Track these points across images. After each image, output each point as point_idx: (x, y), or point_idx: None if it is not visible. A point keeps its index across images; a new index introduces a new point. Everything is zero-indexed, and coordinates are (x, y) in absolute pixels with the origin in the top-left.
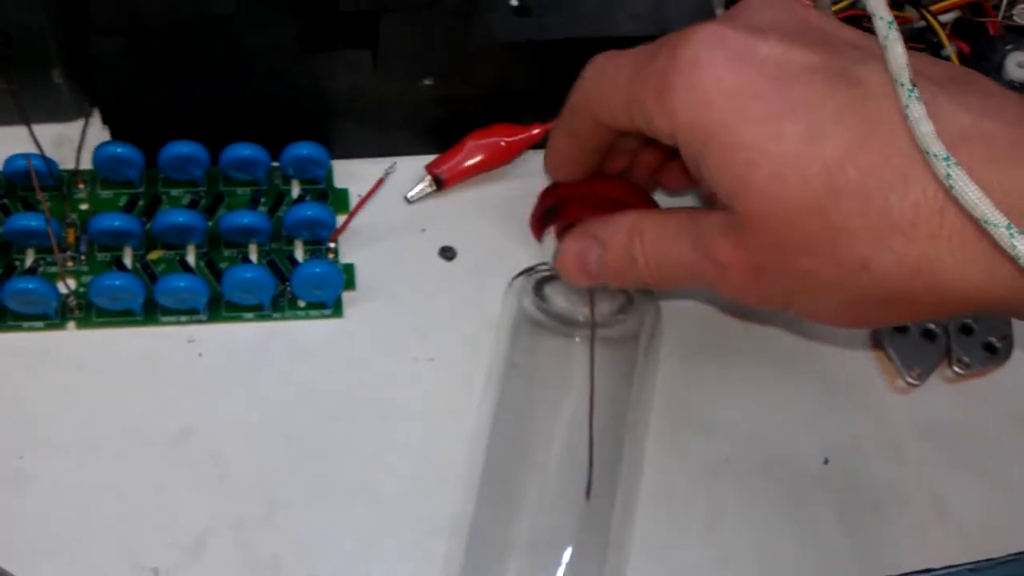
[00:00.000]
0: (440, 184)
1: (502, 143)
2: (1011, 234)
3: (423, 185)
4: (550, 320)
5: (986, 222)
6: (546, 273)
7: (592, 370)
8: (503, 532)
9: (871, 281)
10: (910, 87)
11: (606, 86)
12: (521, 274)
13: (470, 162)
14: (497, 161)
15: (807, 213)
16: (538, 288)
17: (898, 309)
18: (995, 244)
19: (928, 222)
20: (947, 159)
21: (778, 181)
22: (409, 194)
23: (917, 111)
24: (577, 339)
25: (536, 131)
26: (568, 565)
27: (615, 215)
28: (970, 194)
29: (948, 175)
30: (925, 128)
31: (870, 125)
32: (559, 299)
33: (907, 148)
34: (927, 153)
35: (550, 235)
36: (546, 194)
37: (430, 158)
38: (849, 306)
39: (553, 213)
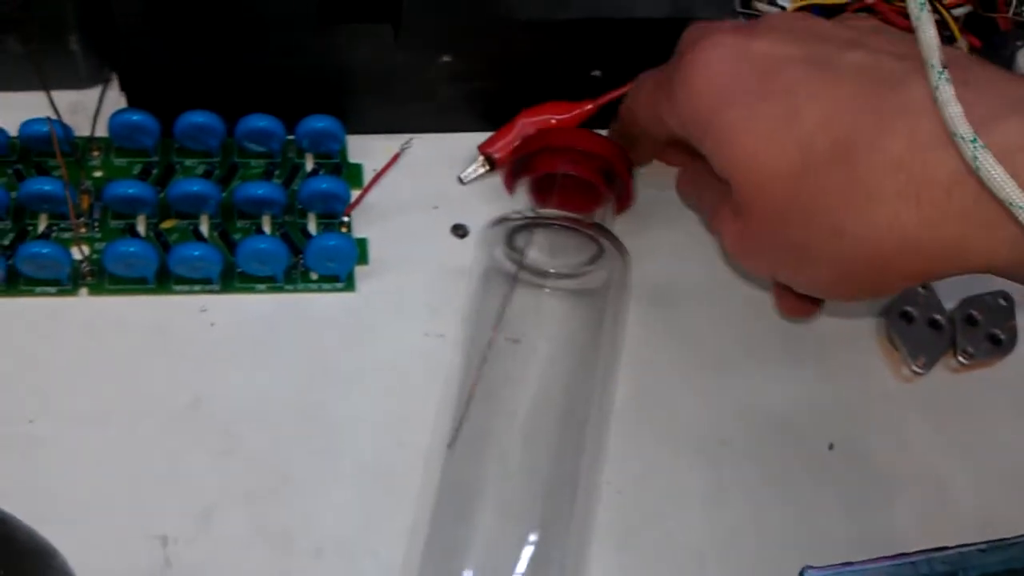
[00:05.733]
0: (493, 164)
1: (553, 120)
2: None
3: (476, 165)
4: (521, 270)
5: (1011, 204)
6: (519, 222)
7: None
8: (471, 492)
9: (848, 247)
10: (940, 69)
11: (640, 99)
12: (493, 224)
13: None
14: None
15: (783, 183)
16: (510, 238)
17: (878, 275)
18: (1018, 225)
19: (889, 187)
20: (974, 140)
21: (756, 156)
22: (463, 175)
23: (946, 93)
24: (547, 289)
25: (588, 107)
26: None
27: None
28: (996, 176)
29: (975, 157)
30: (953, 110)
31: (842, 101)
32: (531, 249)
33: (876, 118)
34: (954, 135)
35: (523, 187)
36: (519, 146)
37: (447, 136)
38: (831, 274)
39: (525, 165)
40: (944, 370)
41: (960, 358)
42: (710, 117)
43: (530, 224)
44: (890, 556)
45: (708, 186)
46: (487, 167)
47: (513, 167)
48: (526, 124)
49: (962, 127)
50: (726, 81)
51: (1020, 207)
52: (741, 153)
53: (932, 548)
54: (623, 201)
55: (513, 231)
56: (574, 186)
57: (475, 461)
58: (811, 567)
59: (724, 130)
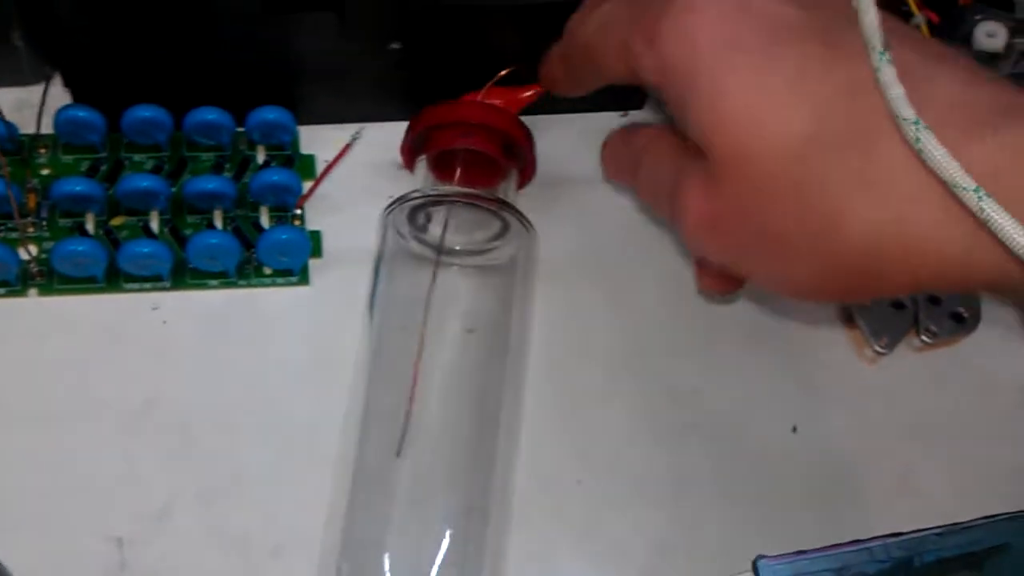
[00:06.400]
0: None
1: (497, 104)
2: (979, 197)
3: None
4: (424, 248)
5: (955, 185)
6: (419, 201)
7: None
8: (384, 480)
9: (841, 241)
10: (881, 50)
11: (602, 28)
12: (394, 203)
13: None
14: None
15: (781, 163)
16: (412, 216)
17: (871, 277)
18: (966, 209)
19: (906, 183)
20: (916, 123)
21: (756, 130)
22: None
23: (888, 75)
24: (454, 268)
25: (530, 93)
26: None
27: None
28: (938, 157)
29: (917, 139)
30: (895, 92)
31: (850, 86)
32: (433, 226)
33: (884, 109)
34: (897, 117)
35: (422, 164)
36: (414, 123)
37: (399, 125)
38: (813, 269)
39: (423, 141)
40: (907, 349)
41: (923, 337)
42: (703, 72)
43: (431, 202)
44: (845, 543)
45: (661, 153)
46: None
47: (412, 144)
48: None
49: (904, 109)
50: (729, 35)
51: (964, 188)
52: (738, 125)
53: (888, 534)
54: (525, 174)
55: (415, 210)
56: (474, 161)
57: (387, 447)
58: (763, 556)
59: (721, 97)
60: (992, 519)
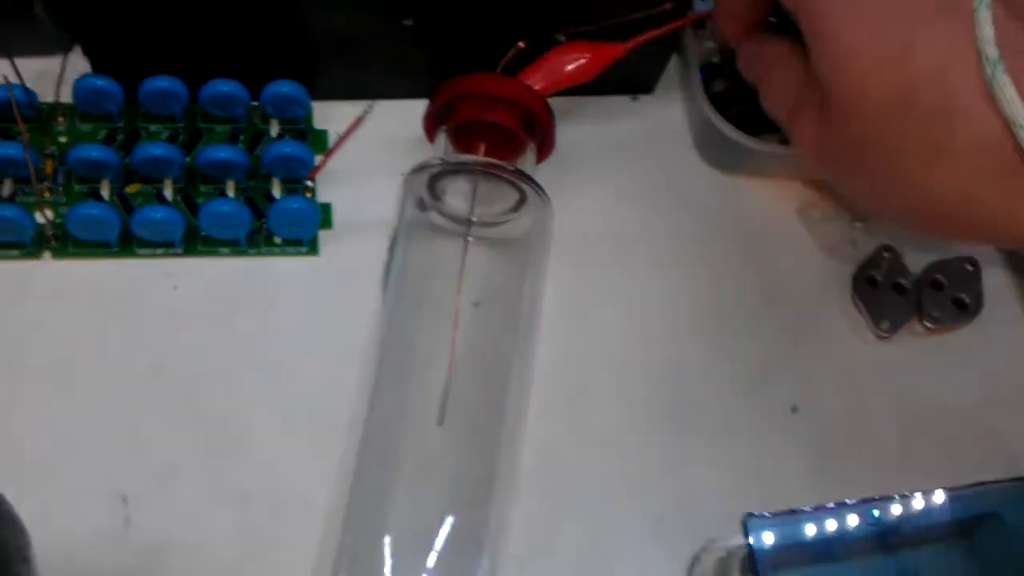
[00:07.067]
0: None
1: (582, 60)
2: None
3: None
4: (443, 218)
5: (1014, 123)
6: (439, 168)
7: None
8: (391, 456)
9: (915, 197)
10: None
11: None
12: (413, 171)
13: (551, 79)
14: (578, 78)
15: (879, 119)
16: (431, 185)
17: (941, 229)
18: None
19: (985, 155)
20: (996, 63)
21: (864, 81)
22: None
23: (984, 15)
24: (470, 239)
25: (619, 47)
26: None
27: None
28: (1007, 94)
29: (992, 76)
30: (985, 31)
31: (959, 53)
32: (452, 197)
33: (977, 82)
34: (980, 54)
35: (442, 135)
36: (438, 93)
37: (411, 102)
38: (898, 211)
39: (445, 112)
40: (910, 335)
41: (926, 322)
42: (828, 22)
43: (451, 170)
44: (832, 505)
45: (788, 72)
46: None
47: (434, 114)
48: (558, 61)
49: (989, 48)
50: None
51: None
52: (850, 74)
53: (878, 497)
54: (544, 149)
55: (433, 179)
56: (495, 133)
57: (395, 424)
58: (753, 514)
59: (841, 42)
60: (981, 486)
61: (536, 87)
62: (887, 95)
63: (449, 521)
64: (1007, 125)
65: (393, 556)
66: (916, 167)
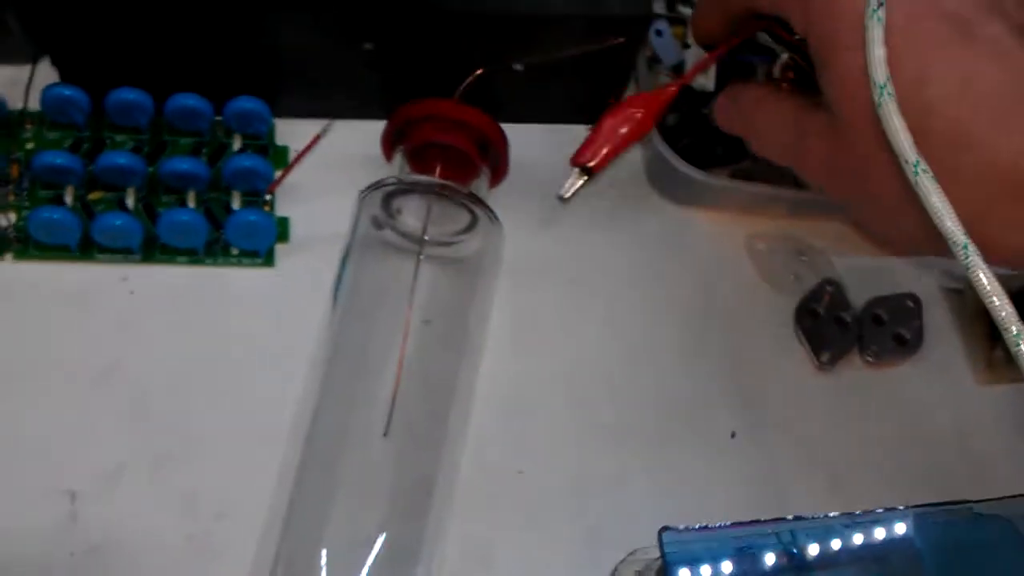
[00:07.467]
0: (590, 173)
1: (638, 115)
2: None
3: (572, 179)
4: (396, 235)
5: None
6: (394, 187)
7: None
8: (330, 470)
9: (926, 220)
10: (875, 7)
11: None
12: (369, 188)
13: (612, 143)
14: (639, 134)
15: (887, 145)
16: (386, 203)
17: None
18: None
19: (997, 180)
20: (883, 87)
21: (871, 113)
22: (562, 192)
23: (874, 31)
24: (422, 256)
25: (672, 89)
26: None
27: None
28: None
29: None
30: (877, 52)
31: (968, 82)
32: (407, 216)
33: (992, 112)
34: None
35: (399, 156)
36: (395, 116)
37: (371, 123)
38: (905, 234)
39: (402, 134)
40: (850, 368)
41: (867, 356)
42: (841, 51)
43: (406, 190)
44: (750, 522)
45: (772, 112)
46: (585, 177)
47: (392, 134)
48: (612, 125)
49: (877, 72)
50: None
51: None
52: (863, 102)
53: (794, 517)
54: (498, 174)
55: (388, 198)
56: (450, 156)
57: (339, 433)
58: (669, 528)
59: (855, 71)
60: (896, 511)
61: (604, 152)
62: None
63: (386, 532)
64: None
65: (328, 566)
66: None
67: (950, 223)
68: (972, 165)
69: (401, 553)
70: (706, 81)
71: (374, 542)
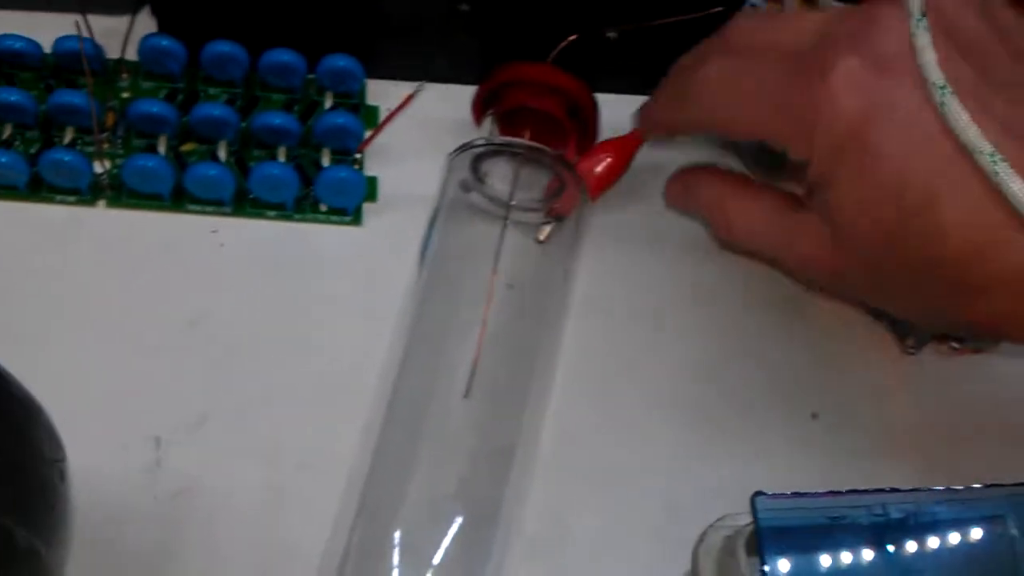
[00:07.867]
0: (561, 218)
1: (608, 160)
2: (993, 160)
3: (548, 228)
4: (483, 199)
5: (971, 149)
6: (483, 148)
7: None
8: (408, 449)
9: (950, 321)
10: (919, 16)
11: (740, 104)
12: (458, 150)
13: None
14: (612, 179)
15: (888, 248)
16: (474, 166)
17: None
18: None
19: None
20: (943, 88)
21: (885, 232)
22: (540, 236)
23: (923, 40)
24: (508, 221)
25: (639, 136)
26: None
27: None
28: (961, 120)
29: (942, 103)
30: (928, 57)
31: (979, 203)
32: (494, 180)
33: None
34: (927, 81)
35: (488, 120)
36: (489, 79)
37: (462, 88)
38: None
39: (494, 97)
40: (937, 354)
41: (952, 343)
42: (843, 174)
43: (494, 151)
44: (844, 492)
45: (754, 215)
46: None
47: (483, 98)
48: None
49: (933, 73)
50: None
51: (980, 152)
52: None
53: (888, 489)
54: (588, 140)
55: (476, 160)
56: (540, 121)
57: (422, 393)
58: (762, 493)
59: (858, 185)
60: (988, 488)
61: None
62: (879, 226)
63: (466, 495)
64: None
65: (411, 519)
66: (947, 302)
67: None
68: None
69: (480, 517)
70: None
71: (455, 503)
